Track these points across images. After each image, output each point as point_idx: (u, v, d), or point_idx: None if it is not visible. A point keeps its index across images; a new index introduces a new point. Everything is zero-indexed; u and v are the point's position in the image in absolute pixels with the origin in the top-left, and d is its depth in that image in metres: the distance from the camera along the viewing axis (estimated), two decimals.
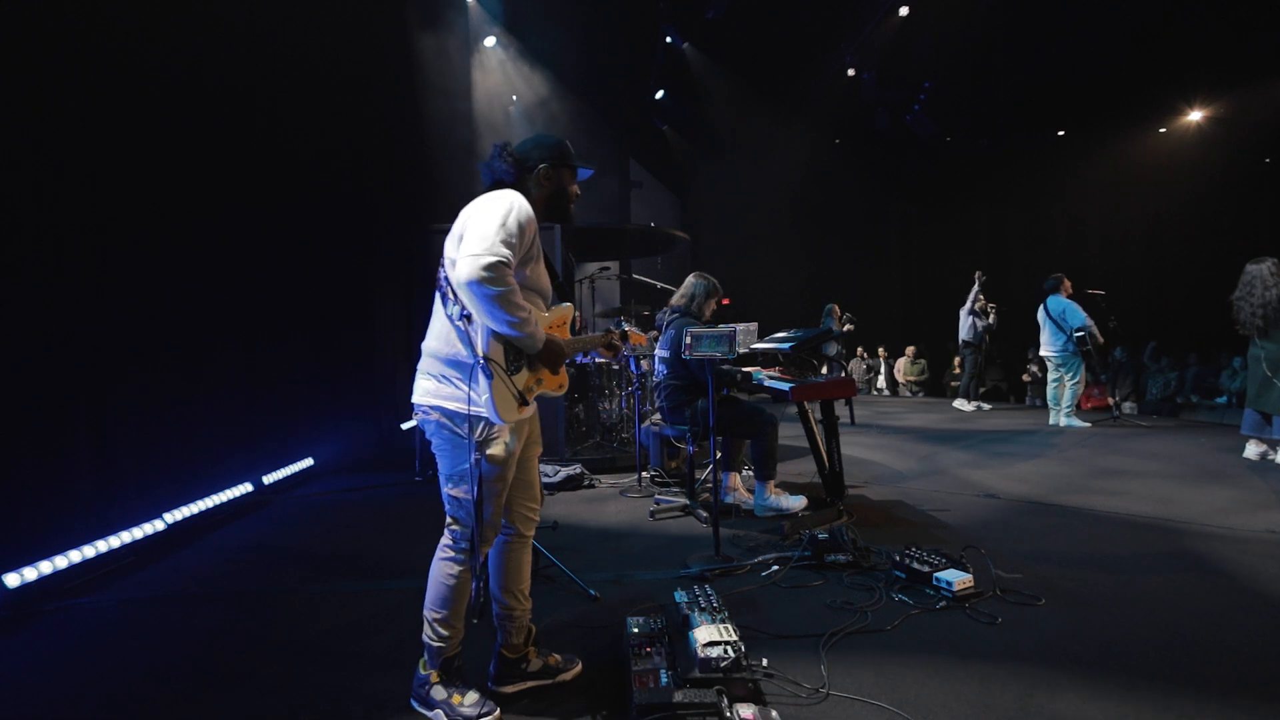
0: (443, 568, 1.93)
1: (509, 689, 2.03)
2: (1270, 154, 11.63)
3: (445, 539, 1.95)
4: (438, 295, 1.92)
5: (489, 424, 1.84)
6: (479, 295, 1.71)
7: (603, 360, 6.33)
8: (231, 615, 2.73)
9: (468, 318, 1.80)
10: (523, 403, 1.85)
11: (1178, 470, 4.91)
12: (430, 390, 1.90)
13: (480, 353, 1.77)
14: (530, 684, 2.05)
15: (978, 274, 8.52)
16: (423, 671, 1.95)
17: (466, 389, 1.82)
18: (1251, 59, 10.46)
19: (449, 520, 1.94)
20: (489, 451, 1.86)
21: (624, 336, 2.32)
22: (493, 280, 1.69)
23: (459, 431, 1.86)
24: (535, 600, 2.38)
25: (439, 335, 1.91)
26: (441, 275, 1.89)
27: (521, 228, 1.81)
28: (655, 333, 4.81)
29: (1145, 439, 6.33)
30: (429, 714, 1.91)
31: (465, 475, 1.86)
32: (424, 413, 1.92)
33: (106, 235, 3.40)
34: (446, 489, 1.93)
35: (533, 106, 9.38)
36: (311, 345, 5.37)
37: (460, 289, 1.74)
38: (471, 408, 1.81)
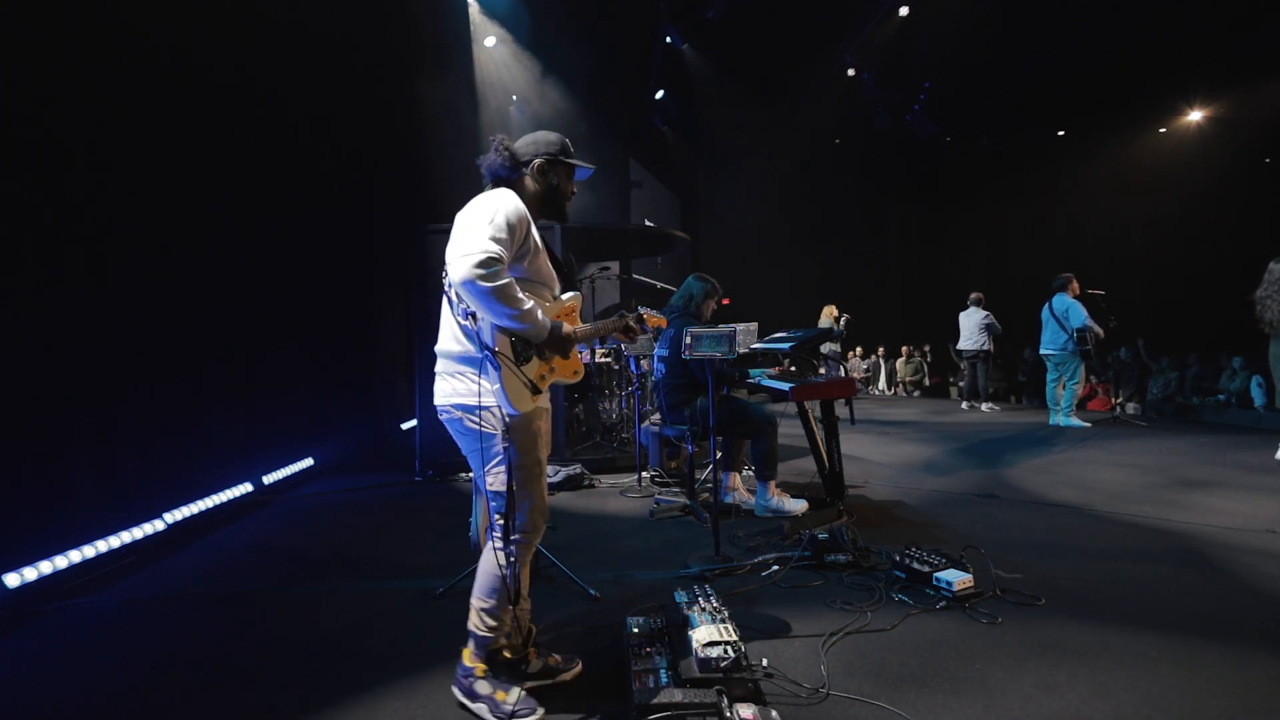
0: (493, 557, 1.94)
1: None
2: (1270, 154, 11.64)
3: (495, 530, 1.95)
4: (444, 299, 1.96)
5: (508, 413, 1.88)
6: (475, 292, 1.75)
7: (603, 360, 6.34)
8: (231, 615, 2.73)
9: (472, 316, 1.84)
10: (535, 391, 1.89)
11: (1176, 469, 4.91)
12: (447, 390, 1.94)
13: (487, 346, 1.81)
14: (530, 684, 2.04)
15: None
16: (467, 662, 1.95)
17: (479, 382, 1.86)
18: (1251, 59, 10.46)
19: (496, 515, 1.94)
20: (517, 438, 1.90)
21: (640, 319, 2.32)
22: (486, 276, 1.73)
23: (483, 424, 1.89)
24: (535, 600, 2.38)
25: (448, 336, 1.96)
26: (445, 279, 1.93)
27: (510, 224, 1.84)
28: (654, 331, 4.80)
29: (1144, 439, 6.33)
30: (472, 706, 1.91)
31: (499, 465, 1.90)
32: (446, 412, 1.96)
33: (108, 238, 3.40)
34: (486, 484, 1.95)
35: (533, 107, 9.37)
36: (312, 345, 5.37)
37: (458, 288, 1.78)
38: (486, 399, 1.86)
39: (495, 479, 1.92)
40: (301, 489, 4.96)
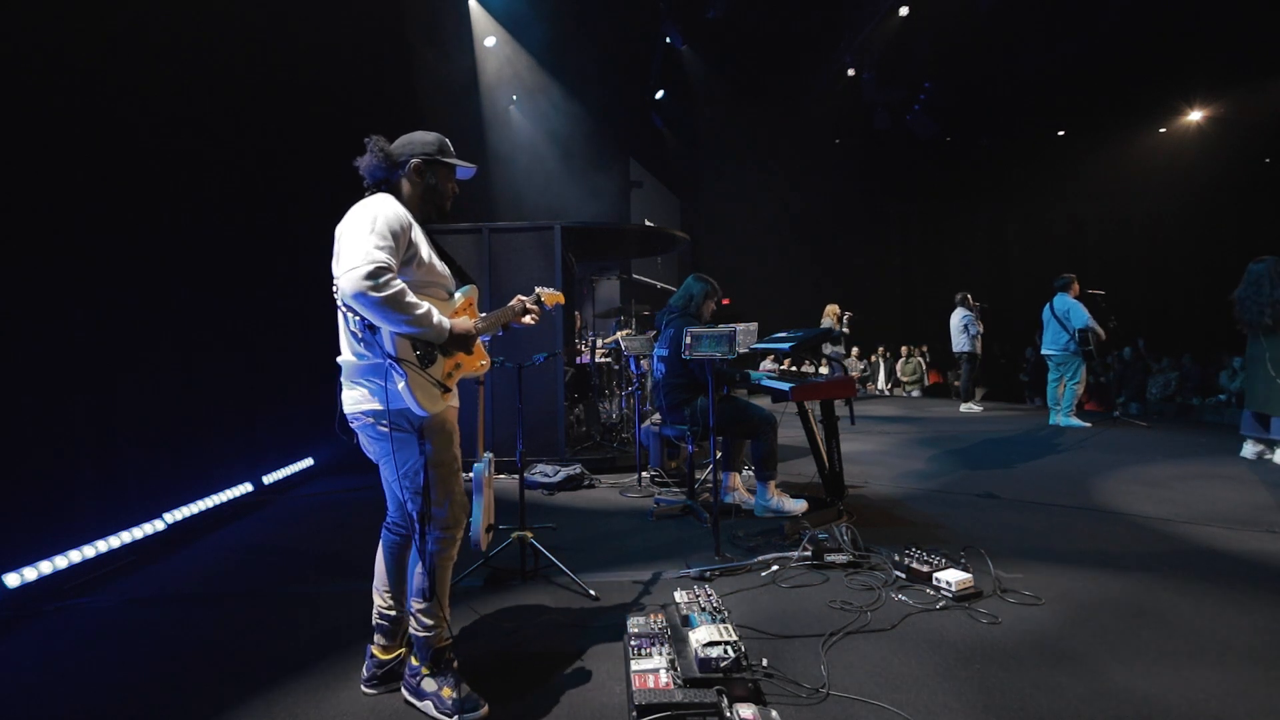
0: (417, 560, 1.97)
1: (376, 691, 2.05)
2: (1270, 154, 11.64)
3: (415, 532, 1.96)
4: (339, 312, 1.92)
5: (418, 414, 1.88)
6: (368, 304, 1.74)
7: (603, 360, 6.33)
8: (231, 615, 2.73)
9: (370, 326, 1.83)
10: (445, 390, 1.91)
11: (1176, 469, 4.91)
12: (357, 399, 1.91)
13: (389, 354, 1.80)
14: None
15: (978, 304, 8.84)
16: (414, 663, 1.98)
17: (385, 388, 1.85)
18: (1251, 59, 10.47)
19: (414, 517, 1.95)
20: (432, 437, 1.91)
21: (538, 300, 2.31)
22: (376, 287, 1.72)
23: (397, 428, 1.89)
24: (536, 599, 2.40)
25: (349, 347, 1.93)
26: (336, 292, 1.87)
27: (393, 230, 1.83)
28: (654, 332, 4.81)
29: (1144, 439, 6.33)
30: (419, 704, 1.94)
31: (414, 467, 1.91)
32: (356, 419, 1.94)
33: (108, 237, 3.40)
34: (402, 487, 1.94)
35: (533, 107, 9.38)
36: (312, 345, 5.37)
37: (349, 302, 1.77)
38: (395, 403, 1.85)
39: (412, 480, 1.92)
40: (301, 489, 4.96)
